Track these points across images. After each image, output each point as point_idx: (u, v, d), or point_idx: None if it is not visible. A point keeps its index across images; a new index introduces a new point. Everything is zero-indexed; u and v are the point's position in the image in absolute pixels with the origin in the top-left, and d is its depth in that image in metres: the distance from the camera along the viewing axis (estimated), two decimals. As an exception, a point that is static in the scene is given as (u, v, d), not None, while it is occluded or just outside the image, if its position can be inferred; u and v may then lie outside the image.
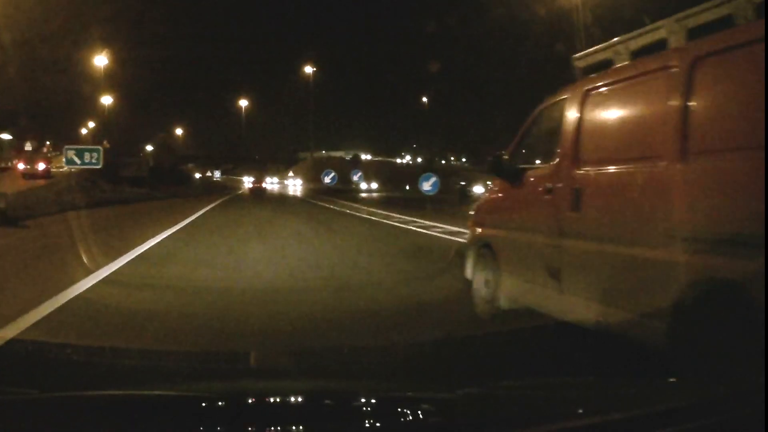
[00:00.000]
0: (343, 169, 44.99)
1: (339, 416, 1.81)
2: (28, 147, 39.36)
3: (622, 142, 3.71)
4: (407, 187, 53.69)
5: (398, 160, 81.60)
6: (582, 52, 4.78)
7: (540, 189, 4.29)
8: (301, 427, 1.63)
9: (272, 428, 1.60)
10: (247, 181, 64.40)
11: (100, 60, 37.57)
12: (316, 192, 46.27)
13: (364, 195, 44.61)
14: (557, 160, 4.17)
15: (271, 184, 68.73)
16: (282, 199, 39.29)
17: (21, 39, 24.99)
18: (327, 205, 28.60)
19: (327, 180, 36.85)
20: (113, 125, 54.25)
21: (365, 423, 1.75)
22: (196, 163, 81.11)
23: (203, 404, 1.87)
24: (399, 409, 1.91)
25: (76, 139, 51.40)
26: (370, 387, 2.40)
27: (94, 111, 49.28)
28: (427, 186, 21.53)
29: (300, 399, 2.07)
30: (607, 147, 3.84)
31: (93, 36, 37.01)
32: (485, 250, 5.04)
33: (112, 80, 44.32)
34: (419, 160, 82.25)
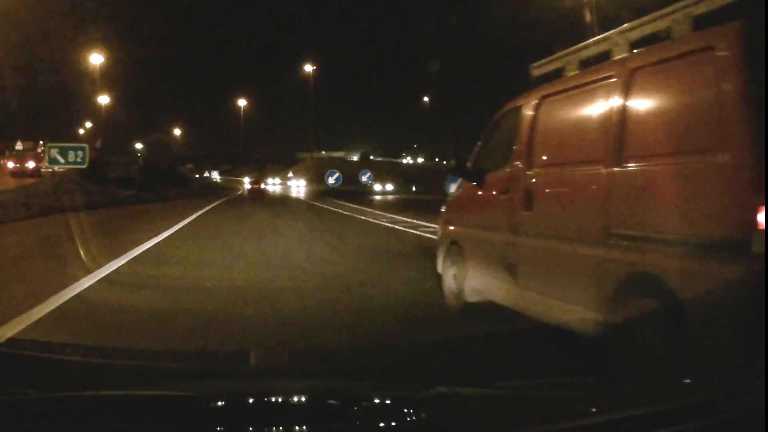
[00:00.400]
0: (347, 170, 40.83)
1: (339, 416, 1.81)
2: (18, 146, 39.14)
3: (567, 147, 4.02)
4: (413, 188, 52.07)
5: (403, 161, 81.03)
6: (538, 62, 5.01)
7: (498, 190, 4.62)
8: (301, 427, 1.63)
9: (272, 428, 1.60)
10: (247, 182, 63.60)
11: (96, 58, 37.24)
12: (321, 194, 41.71)
13: (377, 197, 40.56)
14: (513, 163, 4.49)
15: (272, 185, 67.39)
16: (284, 203, 35.21)
17: (18, 38, 24.88)
18: (340, 212, 24.27)
19: (331, 181, 34.15)
20: (110, 124, 53.86)
21: (366, 423, 1.75)
22: (195, 164, 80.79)
23: (203, 404, 1.87)
24: (399, 409, 1.91)
25: (74, 138, 51.21)
26: (371, 387, 2.40)
27: (91, 110, 48.85)
28: (453, 187, 20.97)
29: (300, 399, 2.07)
30: (555, 151, 4.16)
31: (91, 35, 36.93)
32: (453, 246, 5.36)
33: (109, 79, 44.18)
34: (420, 160, 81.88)
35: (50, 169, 24.29)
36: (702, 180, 2.88)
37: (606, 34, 4.18)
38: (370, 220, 19.39)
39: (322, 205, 29.27)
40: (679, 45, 3.38)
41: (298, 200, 38.95)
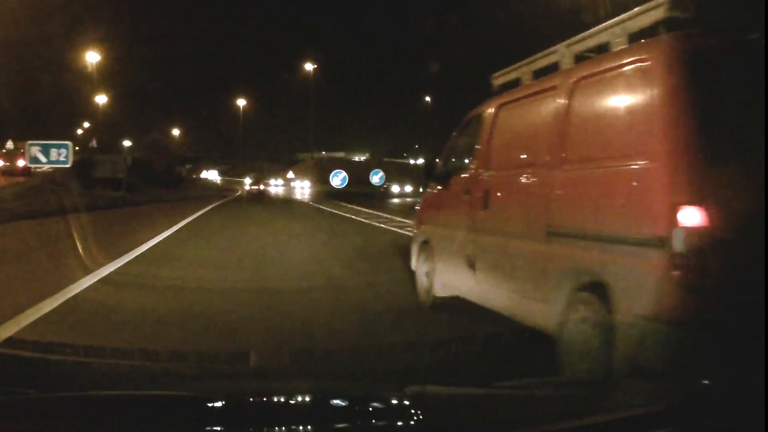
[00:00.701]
0: (351, 170, 33.77)
1: (340, 416, 1.81)
2: (9, 145, 38.81)
3: (518, 151, 4.43)
4: (420, 190, 51.42)
5: (410, 161, 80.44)
6: (498, 72, 5.25)
7: (461, 191, 4.91)
8: (300, 427, 1.63)
9: (272, 428, 1.61)
10: (248, 183, 62.79)
11: (92, 57, 36.61)
12: (327, 196, 36.51)
13: (395, 200, 34.99)
14: (473, 166, 4.83)
15: (274, 186, 66.25)
16: (288, 207, 30.01)
17: (15, 38, 24.61)
18: (368, 222, 18.06)
19: (336, 182, 29.20)
20: (108, 124, 53.07)
21: (367, 423, 1.75)
22: (193, 164, 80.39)
23: (203, 404, 1.87)
24: (399, 409, 1.91)
25: (72, 139, 50.86)
26: (371, 387, 2.40)
27: (88, 110, 48.11)
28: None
29: (300, 399, 2.07)
30: (508, 155, 4.52)
31: (89, 34, 36.63)
32: (425, 245, 5.65)
33: (107, 79, 43.55)
34: (420, 161, 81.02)
35: (44, 168, 22.71)
36: (630, 183, 3.10)
37: (554, 47, 4.40)
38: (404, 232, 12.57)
39: (335, 211, 23.64)
40: (614, 57, 3.58)
41: (304, 204, 34.18)
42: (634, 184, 3.07)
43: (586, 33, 4.14)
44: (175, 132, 75.59)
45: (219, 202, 30.59)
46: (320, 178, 49.16)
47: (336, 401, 2.00)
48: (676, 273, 2.73)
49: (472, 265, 4.52)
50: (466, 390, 2.14)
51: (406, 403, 1.96)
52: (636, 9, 3.67)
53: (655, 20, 3.48)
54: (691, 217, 2.75)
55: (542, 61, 4.57)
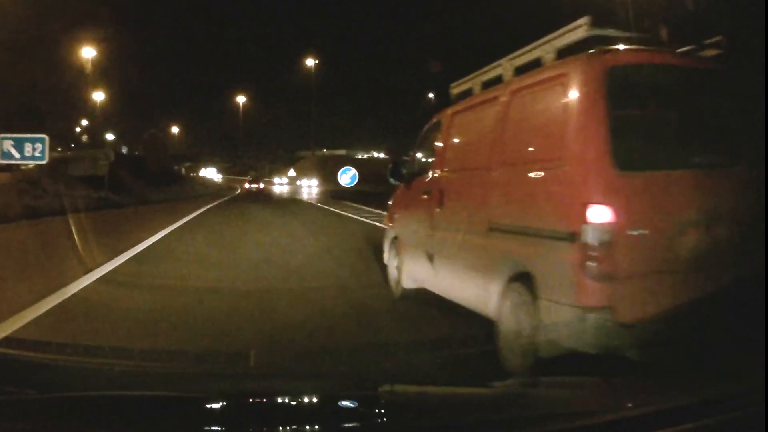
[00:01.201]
0: (358, 168, 28.79)
1: (340, 416, 1.82)
2: None
3: (467, 155, 4.92)
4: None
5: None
6: (456, 82, 5.65)
7: (422, 191, 5.37)
8: (300, 427, 1.63)
9: (272, 428, 1.61)
10: (247, 182, 62.03)
11: (88, 52, 35.54)
12: (338, 196, 31.51)
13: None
14: (432, 168, 5.36)
15: (279, 185, 64.92)
16: (296, 210, 24.01)
17: (12, 36, 24.16)
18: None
19: (345, 180, 25.03)
20: (106, 122, 52.20)
21: (368, 423, 1.75)
22: (193, 162, 78.99)
23: (203, 404, 1.87)
24: (399, 409, 1.91)
25: (71, 137, 50.41)
26: (370, 387, 2.40)
27: (84, 107, 47.16)
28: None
29: (300, 399, 2.07)
30: (460, 158, 5.02)
31: (88, 31, 36.33)
32: (395, 240, 6.12)
33: (105, 77, 43.03)
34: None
35: (28, 165, 20.16)
36: (551, 184, 3.52)
37: (499, 61, 4.80)
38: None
39: (358, 218, 18.02)
40: (541, 72, 3.97)
41: (315, 206, 27.57)
42: (554, 185, 3.49)
43: (524, 48, 4.50)
44: (175, 130, 75.36)
45: (213, 204, 26.83)
46: (326, 176, 46.09)
47: (335, 401, 2.00)
48: (586, 263, 3.13)
49: (431, 259, 4.96)
50: (465, 390, 2.14)
51: (403, 403, 1.96)
52: (562, 29, 4.07)
53: (579, 38, 3.86)
54: (599, 214, 3.15)
55: (490, 73, 4.95)
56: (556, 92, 3.60)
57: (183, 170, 69.29)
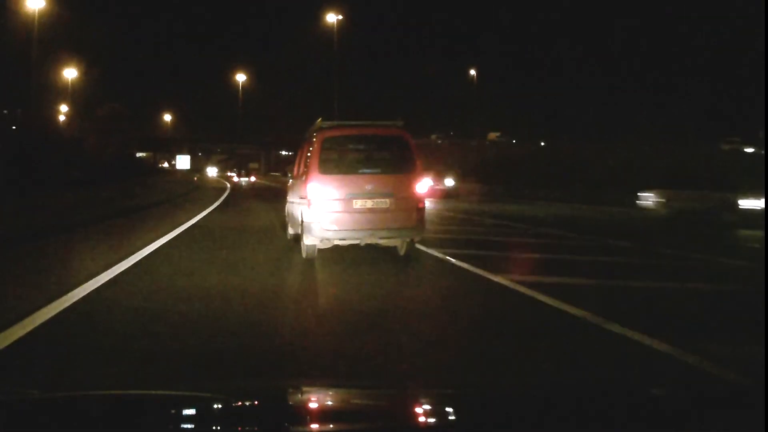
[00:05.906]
0: None
1: (341, 416, 1.81)
2: None
3: (302, 166, 9.11)
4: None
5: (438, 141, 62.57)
6: (312, 126, 9.16)
7: (298, 183, 9.25)
8: (301, 428, 1.63)
9: (272, 428, 1.60)
10: (245, 179, 59.44)
11: (35, 2, 31.33)
12: None
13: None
14: (298, 172, 9.69)
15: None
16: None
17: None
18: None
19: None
20: (89, 108, 45.97)
21: (368, 423, 1.75)
22: (166, 150, 69.13)
23: (203, 404, 1.87)
24: (399, 409, 1.91)
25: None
26: (372, 387, 2.40)
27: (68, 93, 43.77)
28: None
29: (302, 400, 2.07)
30: (299, 168, 9.58)
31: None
32: (288, 214, 10.77)
33: (91, 52, 39.65)
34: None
35: None
36: (303, 183, 8.26)
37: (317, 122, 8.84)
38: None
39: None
40: (314, 132, 8.58)
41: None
42: (304, 183, 8.17)
43: (320, 122, 8.65)
44: (167, 118, 66.76)
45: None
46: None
47: (335, 401, 2.00)
48: (307, 207, 8.00)
49: (292, 219, 9.85)
50: (464, 390, 2.14)
51: (403, 403, 1.96)
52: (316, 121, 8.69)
53: (323, 125, 8.45)
54: (312, 189, 7.95)
55: (315, 126, 8.85)
56: (312, 142, 8.27)
57: (150, 162, 60.09)
